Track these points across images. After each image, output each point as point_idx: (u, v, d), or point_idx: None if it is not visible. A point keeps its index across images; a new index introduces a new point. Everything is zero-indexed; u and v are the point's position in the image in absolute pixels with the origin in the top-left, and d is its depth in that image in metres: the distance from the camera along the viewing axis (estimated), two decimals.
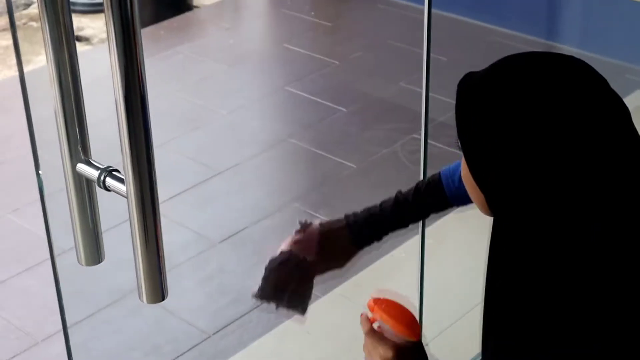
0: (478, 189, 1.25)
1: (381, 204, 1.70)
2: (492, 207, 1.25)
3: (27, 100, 1.38)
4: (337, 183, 3.61)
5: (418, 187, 1.69)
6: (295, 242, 1.66)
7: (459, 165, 1.64)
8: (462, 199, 1.63)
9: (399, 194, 1.70)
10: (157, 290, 1.08)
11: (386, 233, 1.70)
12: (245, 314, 2.95)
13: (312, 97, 4.22)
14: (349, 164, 3.72)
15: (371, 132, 3.94)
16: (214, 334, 2.88)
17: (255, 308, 2.97)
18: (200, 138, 3.95)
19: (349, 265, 1.70)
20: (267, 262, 1.67)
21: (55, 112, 1.08)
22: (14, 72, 4.46)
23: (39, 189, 1.50)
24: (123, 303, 2.98)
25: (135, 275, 1.06)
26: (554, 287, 1.21)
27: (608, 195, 1.18)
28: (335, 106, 4.13)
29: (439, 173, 1.68)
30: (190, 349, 2.82)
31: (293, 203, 3.49)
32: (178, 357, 2.79)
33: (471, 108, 1.23)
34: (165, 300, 2.96)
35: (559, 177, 1.17)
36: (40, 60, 4.41)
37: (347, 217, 1.69)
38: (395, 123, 3.96)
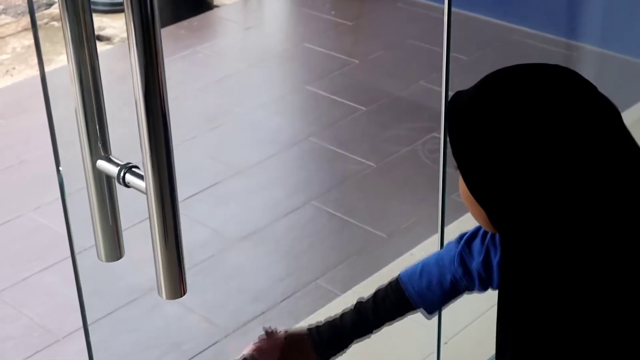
0: (478, 206, 1.26)
1: (342, 315, 1.72)
2: (494, 221, 1.26)
3: (48, 98, 1.39)
4: (356, 182, 3.62)
5: (377, 294, 1.72)
6: (258, 349, 1.67)
7: (417, 266, 1.67)
8: (426, 299, 1.67)
9: (359, 302, 1.71)
10: (177, 286, 1.09)
11: (349, 343, 1.72)
12: (264, 312, 2.96)
13: (332, 96, 4.23)
14: (368, 162, 3.72)
15: (391, 131, 3.94)
16: (233, 331, 2.89)
17: (274, 306, 2.98)
18: (220, 137, 3.96)
19: None
20: None
21: (75, 109, 1.09)
22: (36, 71, 4.49)
23: (59, 186, 1.51)
24: (143, 301, 3.00)
25: (154, 272, 1.07)
26: (559, 288, 1.21)
27: (607, 196, 1.19)
28: (355, 105, 4.14)
29: (398, 276, 1.71)
30: (209, 346, 2.83)
31: (312, 202, 3.50)
32: (197, 354, 2.80)
33: (463, 126, 1.24)
34: (184, 298, 2.97)
35: (557, 183, 1.17)
36: (61, 60, 4.43)
37: (309, 330, 1.71)
38: (415, 122, 3.96)
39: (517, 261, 1.26)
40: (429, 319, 1.73)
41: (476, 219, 1.32)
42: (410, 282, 1.69)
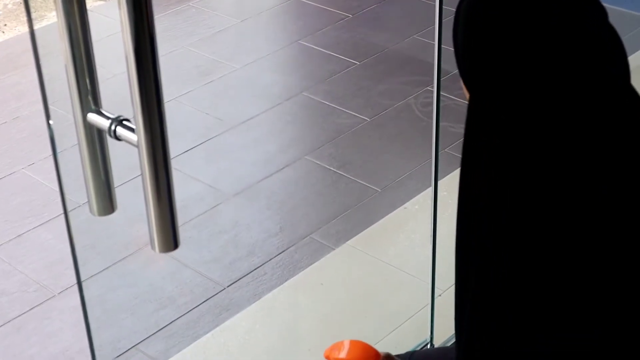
0: None
1: None
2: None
3: (37, 52, 1.39)
4: (350, 136, 3.62)
5: None
6: None
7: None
8: None
9: None
10: (169, 238, 1.08)
11: None
12: (259, 267, 2.97)
13: (326, 51, 4.21)
14: (362, 117, 3.72)
15: (384, 85, 3.94)
16: (228, 286, 2.90)
17: (269, 261, 2.99)
18: (213, 92, 3.95)
19: None
20: None
21: (65, 63, 1.08)
22: (27, 28, 4.46)
23: (50, 139, 1.51)
24: (138, 256, 3.01)
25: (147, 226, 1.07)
26: (558, 253, 1.20)
27: (612, 155, 1.19)
28: (348, 59, 4.12)
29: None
30: (204, 300, 2.84)
31: (306, 156, 3.50)
32: (193, 308, 2.82)
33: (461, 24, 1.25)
34: (179, 253, 2.98)
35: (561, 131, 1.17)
36: (53, 17, 4.40)
37: None
38: (409, 76, 3.96)
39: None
40: None
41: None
42: None
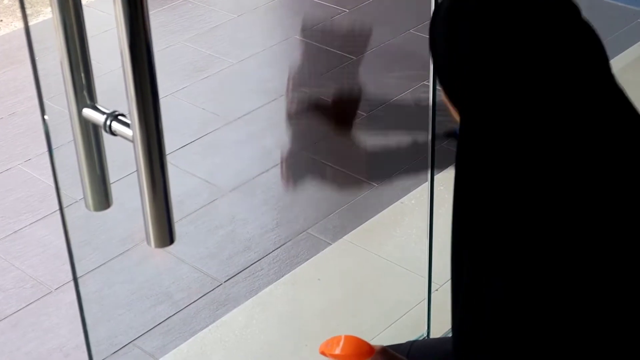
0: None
1: None
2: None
3: (32, 47, 1.38)
4: (347, 131, 3.62)
5: None
6: None
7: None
8: None
9: None
10: (165, 234, 1.08)
11: None
12: (256, 262, 2.97)
13: (322, 46, 4.21)
14: (359, 112, 3.72)
15: (381, 80, 3.93)
16: (225, 281, 2.90)
17: (265, 256, 2.99)
18: (209, 87, 3.95)
19: None
20: None
21: (60, 59, 1.08)
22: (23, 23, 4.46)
23: (45, 135, 1.51)
24: (134, 252, 3.01)
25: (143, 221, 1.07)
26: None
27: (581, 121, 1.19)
28: (345, 54, 4.12)
29: None
30: (201, 296, 2.84)
31: (302, 152, 3.50)
32: (190, 304, 2.82)
33: (442, 29, 1.25)
34: (176, 248, 2.98)
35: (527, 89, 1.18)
36: (49, 12, 4.39)
37: None
38: (405, 70, 3.95)
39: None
40: None
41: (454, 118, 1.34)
42: None
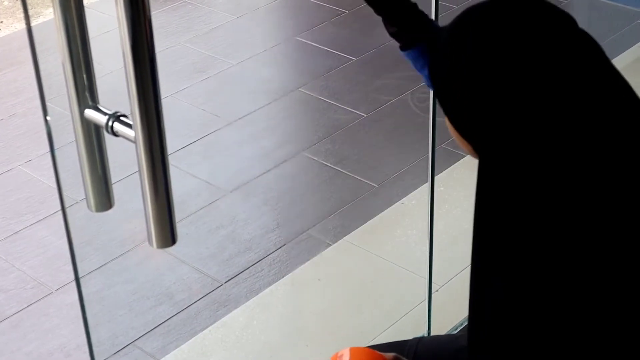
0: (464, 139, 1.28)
1: None
2: (480, 153, 1.27)
3: (35, 50, 1.39)
4: (347, 132, 3.62)
5: None
6: None
7: None
8: None
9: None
10: (167, 234, 1.09)
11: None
12: (256, 262, 2.97)
13: (322, 47, 4.21)
14: (359, 112, 3.72)
15: (381, 81, 3.94)
16: (225, 282, 2.91)
17: (266, 256, 3.00)
18: (210, 88, 3.95)
19: None
20: None
21: (62, 60, 1.08)
22: (24, 24, 4.46)
23: (47, 135, 1.51)
24: (135, 253, 3.01)
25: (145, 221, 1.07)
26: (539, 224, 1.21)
27: (591, 133, 1.19)
28: (345, 55, 4.12)
29: None
30: (202, 297, 2.85)
31: (303, 152, 3.50)
32: (190, 305, 2.82)
33: (443, 62, 1.25)
34: (176, 249, 2.98)
35: (536, 111, 1.18)
36: (50, 13, 4.40)
37: None
38: (405, 72, 3.95)
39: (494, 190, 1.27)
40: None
41: (464, 148, 1.33)
42: None
